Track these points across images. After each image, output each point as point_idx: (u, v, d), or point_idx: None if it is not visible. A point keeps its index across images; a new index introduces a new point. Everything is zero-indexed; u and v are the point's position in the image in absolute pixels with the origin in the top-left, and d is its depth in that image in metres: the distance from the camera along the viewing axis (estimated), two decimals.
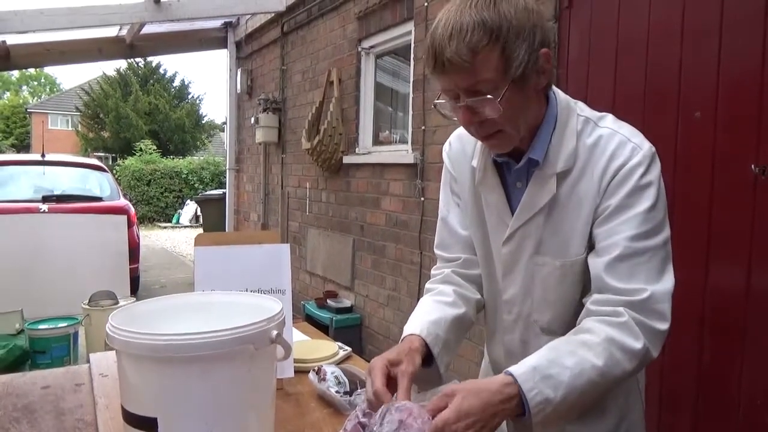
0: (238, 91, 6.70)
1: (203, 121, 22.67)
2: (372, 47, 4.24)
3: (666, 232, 0.95)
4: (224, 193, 7.57)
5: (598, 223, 0.96)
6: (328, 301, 4.28)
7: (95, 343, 3.74)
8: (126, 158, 17.12)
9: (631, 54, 2.19)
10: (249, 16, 6.10)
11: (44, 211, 5.18)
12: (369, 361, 1.56)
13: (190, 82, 29.16)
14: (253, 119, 5.92)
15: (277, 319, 0.96)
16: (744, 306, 1.82)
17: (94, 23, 4.74)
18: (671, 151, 2.02)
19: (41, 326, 3.65)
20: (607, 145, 0.96)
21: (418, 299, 3.68)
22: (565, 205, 0.99)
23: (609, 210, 0.95)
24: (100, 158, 14.84)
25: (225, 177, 7.57)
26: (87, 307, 3.92)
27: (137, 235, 6.12)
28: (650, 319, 0.90)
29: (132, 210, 6.04)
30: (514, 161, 1.02)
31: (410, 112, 3.66)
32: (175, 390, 0.86)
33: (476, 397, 0.83)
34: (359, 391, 1.19)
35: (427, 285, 1.18)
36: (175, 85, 22.50)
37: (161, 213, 15.82)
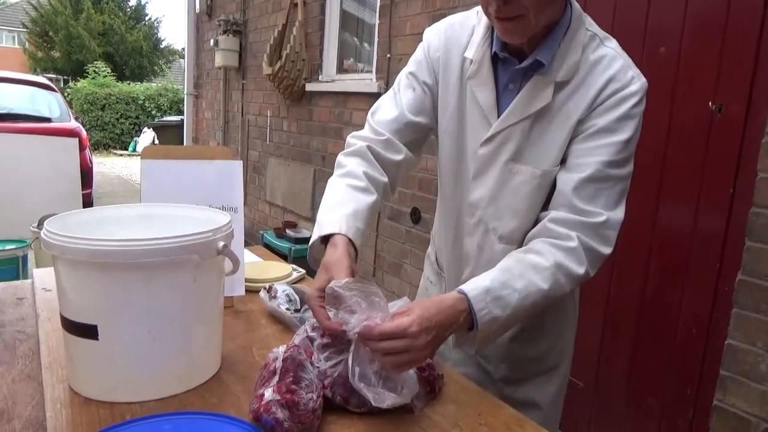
0: (197, 10, 6.35)
1: (162, 46, 21.57)
2: None
3: (630, 167, 0.98)
4: (182, 120, 7.31)
5: (579, 140, 0.96)
6: (287, 231, 4.26)
7: (45, 266, 3.65)
8: (78, 81, 16.25)
9: None
10: None
11: None
12: None
13: (147, 2, 27.50)
14: (212, 41, 5.64)
15: (224, 230, 0.93)
16: (689, 243, 1.89)
17: None
18: None
19: None
20: (609, 66, 0.96)
21: (377, 231, 3.68)
22: (554, 115, 0.97)
23: (593, 129, 0.95)
24: (50, 80, 14.05)
25: (183, 105, 7.29)
26: (36, 230, 3.80)
27: (90, 159, 5.88)
28: (597, 242, 0.94)
29: (83, 133, 5.78)
30: (516, 60, 0.99)
31: (375, 39, 3.54)
32: (115, 297, 0.83)
33: (434, 309, 0.84)
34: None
35: (340, 157, 1.11)
36: (131, 4, 21.19)
37: (117, 140, 15.24)
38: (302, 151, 4.45)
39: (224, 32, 5.33)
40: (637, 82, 0.95)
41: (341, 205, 1.01)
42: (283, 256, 4.06)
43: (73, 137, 4.99)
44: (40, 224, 3.79)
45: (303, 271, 1.59)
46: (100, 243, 0.82)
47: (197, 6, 6.30)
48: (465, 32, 1.06)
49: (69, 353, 0.89)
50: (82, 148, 5.15)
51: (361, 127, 1.15)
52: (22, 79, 6.29)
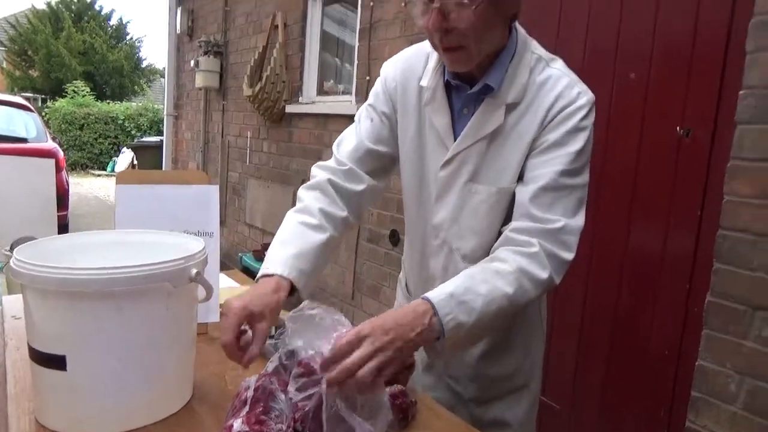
0: (178, 31, 6.36)
1: (143, 65, 21.48)
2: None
3: (586, 177, 1.01)
4: (162, 141, 7.27)
5: (533, 155, 1.00)
6: (266, 253, 4.23)
7: (16, 291, 3.57)
8: (57, 100, 16.08)
9: (574, 13, 2.21)
10: None
11: None
12: None
13: (128, 22, 27.39)
14: (193, 62, 5.65)
15: (197, 257, 0.93)
16: (660, 263, 1.92)
17: None
18: (606, 109, 2.07)
19: None
20: (555, 85, 1.00)
21: (356, 254, 3.68)
22: (507, 135, 1.01)
23: (546, 144, 0.99)
24: (28, 99, 13.85)
25: (164, 124, 7.26)
26: (8, 253, 3.72)
27: (66, 180, 5.81)
28: (558, 248, 0.97)
29: (60, 153, 5.71)
30: (467, 86, 1.03)
31: (355, 62, 3.58)
32: (84, 327, 0.83)
33: (391, 315, 0.87)
34: (282, 330, 1.19)
35: (300, 191, 1.14)
36: (112, 23, 21.11)
37: (95, 160, 15.06)
38: (282, 173, 4.45)
39: (205, 53, 5.35)
40: (583, 96, 1.00)
41: (288, 245, 1.04)
42: None
43: (49, 158, 4.92)
44: (12, 248, 3.72)
45: None
46: (69, 272, 0.81)
47: (178, 27, 6.32)
48: (420, 62, 1.11)
49: (36, 384, 0.88)
50: (58, 170, 5.08)
51: None
52: None
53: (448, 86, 1.06)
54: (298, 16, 4.22)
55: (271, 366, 0.91)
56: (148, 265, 0.85)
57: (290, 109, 4.24)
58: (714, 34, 1.77)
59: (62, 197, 5.40)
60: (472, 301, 0.90)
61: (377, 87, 1.17)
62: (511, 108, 1.01)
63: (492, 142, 1.02)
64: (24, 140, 5.55)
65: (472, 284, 0.92)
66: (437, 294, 0.90)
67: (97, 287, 0.81)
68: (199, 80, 5.41)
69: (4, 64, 20.26)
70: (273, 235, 1.10)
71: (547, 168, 0.98)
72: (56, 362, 0.83)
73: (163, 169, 6.92)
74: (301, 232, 1.06)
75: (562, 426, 2.27)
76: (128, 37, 21.32)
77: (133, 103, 17.63)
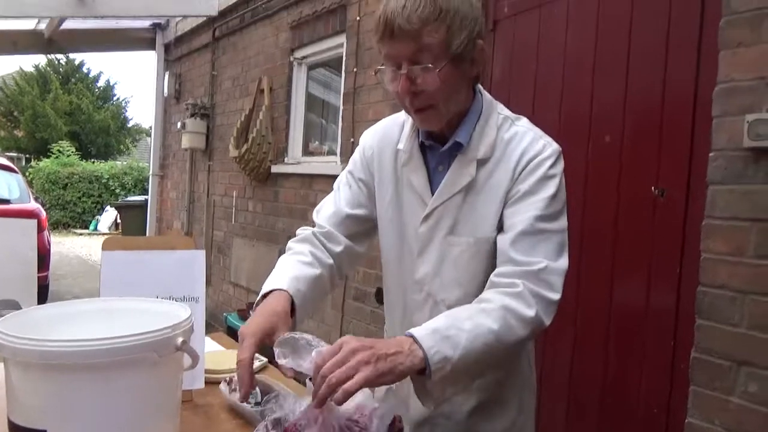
0: (166, 94, 6.50)
1: (129, 125, 21.70)
2: (304, 57, 4.23)
3: (563, 222, 1.06)
4: (146, 200, 7.27)
5: (508, 205, 1.05)
6: (251, 312, 4.18)
7: None
8: (41, 160, 16.09)
9: (549, 79, 2.31)
10: (179, 18, 5.94)
11: None
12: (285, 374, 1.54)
13: (115, 83, 27.85)
14: (179, 124, 5.74)
15: (183, 326, 0.93)
16: (644, 321, 1.94)
17: (8, 14, 4.44)
18: (582, 171, 2.14)
19: None
20: (522, 140, 1.07)
21: (342, 313, 3.66)
22: (481, 189, 1.07)
23: (519, 194, 1.04)
24: (12, 159, 13.84)
25: (148, 183, 7.28)
26: None
27: (48, 240, 5.76)
28: (543, 288, 0.98)
29: (43, 214, 5.68)
30: (440, 145, 1.10)
31: (340, 124, 3.67)
32: (66, 400, 0.81)
33: (373, 340, 0.88)
34: (269, 396, 1.17)
35: (289, 243, 1.21)
36: (99, 85, 21.43)
37: (77, 219, 14.95)
38: (268, 232, 4.46)
39: (192, 115, 5.45)
40: (548, 148, 1.06)
41: (285, 271, 1.10)
42: None
43: (31, 219, 4.89)
44: None
45: (265, 359, 1.56)
46: (51, 344, 0.80)
47: (166, 90, 6.45)
48: (395, 130, 1.18)
49: None
50: (40, 230, 5.03)
51: None
52: None
53: (422, 147, 1.13)
54: (283, 80, 4.34)
55: None
56: (133, 335, 0.84)
57: (276, 169, 4.30)
58: (681, 100, 1.86)
59: (43, 258, 5.36)
60: (456, 336, 0.90)
61: (356, 155, 1.24)
62: (482, 163, 1.07)
63: (467, 195, 1.07)
64: (6, 201, 5.53)
65: (456, 321, 0.93)
66: (420, 330, 0.91)
67: (81, 359, 0.80)
68: (186, 141, 5.48)
69: None
70: (258, 293, 1.13)
71: (523, 215, 1.02)
72: None
73: (147, 227, 6.89)
74: (296, 264, 1.12)
75: None
76: (115, 98, 21.63)
77: (119, 162, 17.68)
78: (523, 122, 1.11)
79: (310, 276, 1.10)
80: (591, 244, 2.12)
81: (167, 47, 6.52)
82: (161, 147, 6.80)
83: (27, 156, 18.94)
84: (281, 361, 0.91)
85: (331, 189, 1.28)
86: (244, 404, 1.19)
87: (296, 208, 4.08)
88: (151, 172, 6.94)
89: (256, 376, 1.35)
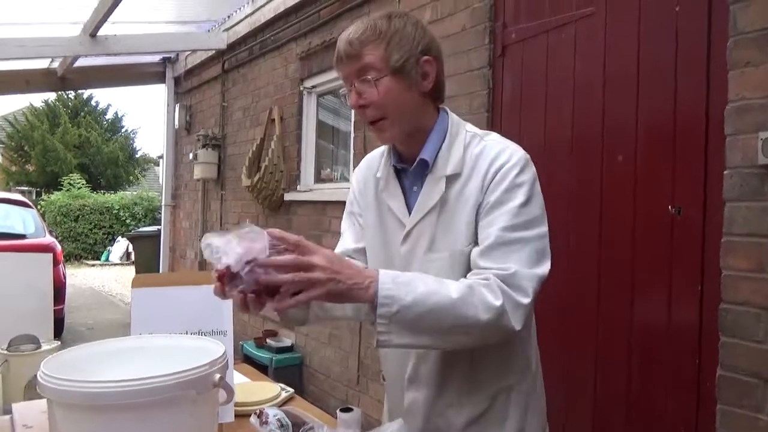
0: (176, 126, 6.59)
1: (137, 155, 21.95)
2: (314, 87, 4.30)
3: (541, 228, 1.08)
4: (159, 230, 7.33)
5: (481, 218, 1.08)
6: (268, 340, 4.19)
7: (14, 392, 3.47)
8: (52, 193, 16.29)
9: (559, 101, 2.34)
10: (189, 52, 6.06)
11: None
12: (312, 402, 1.55)
13: (123, 115, 28.26)
14: (191, 155, 5.81)
15: (219, 362, 0.95)
16: (667, 341, 1.93)
17: (23, 55, 4.55)
18: (597, 193, 2.15)
19: None
20: (489, 152, 1.11)
21: (360, 337, 3.66)
22: (454, 204, 1.11)
23: (488, 206, 1.07)
24: (23, 192, 14.03)
25: (159, 213, 7.35)
26: (5, 352, 3.64)
27: (63, 273, 5.81)
28: (513, 290, 1.00)
29: (58, 247, 5.75)
30: (410, 166, 1.16)
31: (351, 151, 3.72)
32: None
33: (345, 261, 0.99)
34: (304, 429, 1.18)
35: None
36: (108, 117, 21.76)
37: (89, 250, 15.06)
38: None
39: (203, 146, 5.52)
40: (514, 156, 1.09)
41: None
42: (264, 367, 3.96)
43: (47, 253, 4.94)
44: (10, 345, 3.65)
45: (291, 390, 1.57)
46: (95, 385, 0.82)
47: (176, 122, 6.55)
48: (376, 160, 1.25)
49: None
50: (56, 263, 5.10)
51: (339, 234, 1.32)
52: None
53: (398, 172, 1.19)
54: (294, 109, 4.41)
55: None
56: (172, 374, 0.86)
57: (289, 197, 4.34)
58: (693, 118, 1.88)
59: (59, 291, 5.39)
60: (415, 286, 0.97)
61: (350, 194, 1.32)
62: (451, 179, 1.11)
63: (441, 212, 1.11)
64: (23, 236, 5.60)
65: (423, 277, 1.01)
66: (387, 270, 0.99)
67: (123, 399, 0.82)
68: (198, 172, 5.54)
69: (1, 160, 20.64)
70: (274, 321, 1.16)
71: (492, 227, 1.05)
72: None
73: (161, 258, 6.93)
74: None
75: None
76: (123, 129, 21.92)
77: (128, 193, 17.85)
78: (493, 137, 1.15)
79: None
80: (609, 264, 2.12)
81: (177, 80, 6.64)
82: (173, 177, 6.88)
83: (38, 190, 19.17)
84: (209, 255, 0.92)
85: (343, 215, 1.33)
86: None
87: (310, 235, 4.10)
88: (163, 203, 7.00)
89: (284, 407, 1.36)
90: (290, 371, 3.99)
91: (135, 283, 1.32)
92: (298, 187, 4.35)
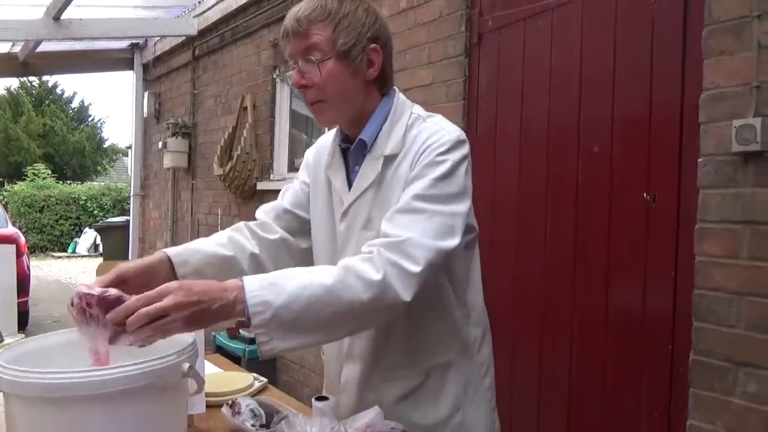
0: (145, 114, 6.42)
1: (105, 145, 21.43)
2: (287, 74, 4.22)
3: (456, 206, 1.03)
4: (128, 221, 7.16)
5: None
6: (241, 331, 4.12)
7: None
8: (15, 183, 15.79)
9: (535, 90, 2.33)
10: (158, 38, 5.90)
11: None
12: (286, 392, 1.52)
13: (90, 104, 27.54)
14: (161, 144, 5.68)
15: (188, 351, 0.91)
16: (641, 326, 1.95)
17: None
18: (573, 182, 2.16)
19: None
20: (424, 133, 1.10)
21: None
22: (389, 184, 1.10)
23: (409, 179, 1.06)
24: None
25: (128, 204, 7.18)
26: None
27: (27, 265, 5.63)
28: (400, 257, 0.96)
29: (22, 239, 5.57)
30: (351, 145, 1.16)
31: None
32: None
33: (202, 282, 0.91)
34: (280, 423, 1.15)
35: None
36: (73, 106, 21.18)
37: (55, 242, 14.67)
38: None
39: (173, 134, 5.39)
40: (446, 136, 1.07)
41: (188, 244, 1.17)
42: (237, 358, 3.90)
43: (10, 244, 4.78)
44: None
45: (265, 380, 1.54)
46: (57, 376, 0.78)
47: (145, 110, 6.38)
48: (330, 137, 1.24)
49: None
50: (19, 255, 4.92)
51: None
52: None
53: (344, 151, 1.18)
54: (266, 97, 4.33)
55: None
56: (139, 363, 0.82)
57: (261, 186, 4.26)
58: (668, 107, 1.89)
59: (23, 283, 5.23)
60: (284, 285, 0.91)
61: (302, 164, 1.32)
62: (389, 160, 1.10)
63: (377, 191, 1.11)
64: None
65: (291, 272, 0.96)
66: (253, 277, 0.93)
67: (87, 390, 0.78)
68: (168, 161, 5.42)
69: None
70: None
71: (404, 196, 1.04)
72: None
73: (130, 248, 6.78)
74: (202, 241, 1.20)
75: None
76: (90, 118, 21.37)
77: (96, 183, 17.42)
78: (435, 119, 1.13)
79: (211, 252, 1.16)
80: (585, 252, 2.13)
81: (146, 67, 6.47)
82: (142, 167, 6.72)
83: (1, 180, 18.58)
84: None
85: None
86: (249, 427, 1.17)
87: None
88: (132, 192, 6.84)
89: (257, 397, 1.32)
90: (263, 362, 3.93)
91: (100, 271, 1.26)
92: (271, 176, 4.28)
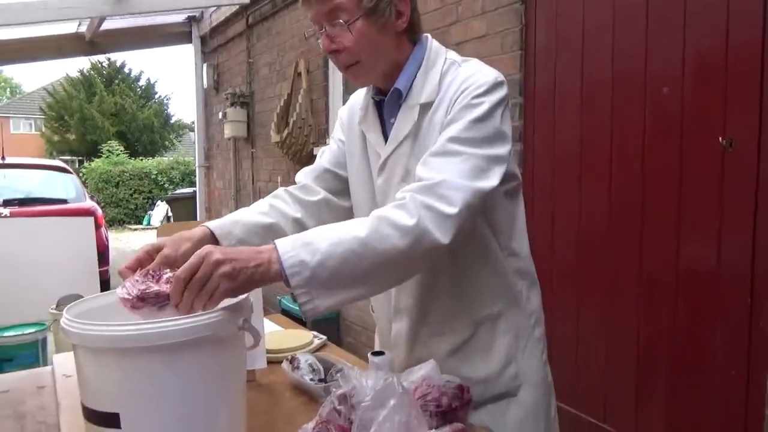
0: (205, 86, 6.58)
1: (172, 121, 22.25)
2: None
3: (496, 151, 0.98)
4: (195, 192, 7.43)
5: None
6: None
7: (65, 349, 3.62)
8: (93, 161, 16.72)
9: (597, 35, 2.19)
10: (213, 9, 5.98)
11: (5, 216, 5.00)
12: (349, 351, 1.54)
13: (156, 81, 28.58)
14: (220, 114, 5.81)
15: (244, 306, 0.92)
16: (716, 280, 1.84)
17: (49, 18, 4.55)
18: (640, 129, 2.03)
19: (6, 333, 3.52)
20: (460, 77, 1.05)
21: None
22: (426, 133, 1.06)
23: (446, 123, 1.01)
24: (66, 161, 14.44)
25: (195, 176, 7.44)
26: (55, 311, 3.79)
27: (105, 236, 5.96)
28: (434, 200, 0.92)
29: (99, 211, 5.88)
30: (385, 97, 1.12)
31: None
32: (136, 383, 0.82)
33: (236, 248, 0.90)
34: (335, 375, 1.16)
35: None
36: (141, 84, 22.02)
37: (131, 215, 15.50)
38: None
39: (232, 104, 5.50)
40: (483, 77, 1.02)
41: (230, 215, 1.16)
42: (301, 321, 4.01)
43: (88, 216, 5.07)
44: (59, 306, 3.79)
45: (324, 337, 1.56)
46: (119, 329, 0.81)
47: (205, 82, 6.53)
48: (363, 92, 1.21)
49: None
50: (97, 227, 5.23)
51: None
52: (37, 164, 6.49)
53: (378, 104, 1.14)
54: (320, 62, 4.31)
55: (324, 411, 0.89)
56: (195, 317, 0.84)
57: (318, 151, 4.29)
58: (747, 42, 1.73)
59: (103, 253, 5.56)
60: (317, 242, 0.88)
61: (336, 124, 1.28)
62: (425, 108, 1.06)
63: (414, 142, 1.07)
64: (64, 201, 5.75)
65: (323, 230, 0.92)
66: (285, 238, 0.90)
67: (146, 342, 0.80)
68: (228, 131, 5.54)
69: (43, 130, 21.24)
70: None
71: (440, 139, 0.99)
72: (110, 420, 0.82)
73: (198, 218, 7.05)
74: (246, 211, 1.18)
75: None
76: (156, 96, 22.18)
77: (165, 158, 18.20)
78: (472, 62, 1.08)
79: (253, 222, 1.13)
80: (653, 202, 2.01)
81: (203, 39, 6.59)
82: (205, 138, 6.92)
83: (80, 158, 19.72)
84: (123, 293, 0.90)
85: None
86: (308, 381, 1.19)
87: None
88: (197, 164, 7.08)
89: (316, 354, 1.34)
90: (327, 324, 4.03)
91: (161, 233, 1.31)
92: (327, 140, 4.30)
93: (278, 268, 0.87)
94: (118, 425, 0.82)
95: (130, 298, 0.88)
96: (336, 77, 4.30)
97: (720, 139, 1.79)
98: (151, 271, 0.93)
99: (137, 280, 0.91)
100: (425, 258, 0.94)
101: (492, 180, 0.96)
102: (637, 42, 2.04)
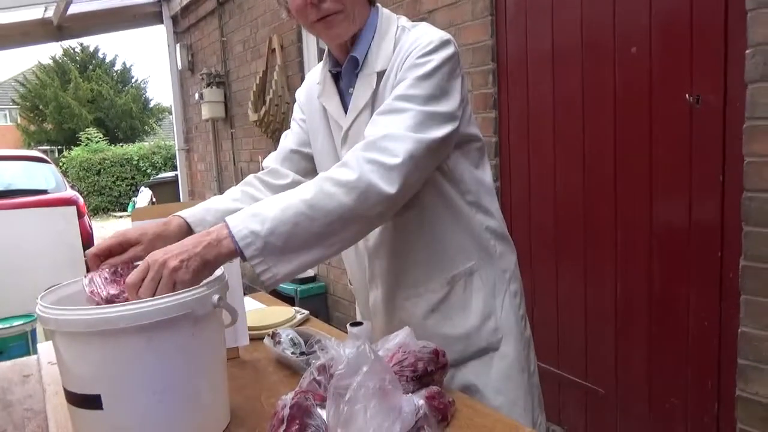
0: (180, 67, 6.47)
1: (151, 105, 21.89)
2: None
3: (441, 108, 0.98)
4: (176, 175, 7.37)
5: None
6: None
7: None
8: (72, 149, 16.47)
9: (566, 0, 2.19)
10: None
11: None
12: (334, 326, 1.56)
13: (132, 65, 28.01)
14: (197, 95, 5.73)
15: (218, 284, 0.93)
16: (687, 235, 1.88)
17: (11, 4, 4.43)
18: (611, 89, 2.05)
19: None
20: (409, 40, 1.05)
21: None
22: (383, 100, 1.04)
23: (394, 85, 1.02)
24: (44, 151, 14.23)
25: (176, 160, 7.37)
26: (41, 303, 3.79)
27: (89, 225, 5.93)
28: (376, 153, 0.92)
29: (80, 200, 5.84)
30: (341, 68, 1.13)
31: None
32: (115, 364, 0.83)
33: (181, 240, 0.90)
34: (311, 342, 1.19)
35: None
36: (116, 69, 21.58)
37: (115, 202, 15.36)
38: None
39: (208, 85, 5.42)
40: (429, 38, 1.02)
41: (202, 203, 1.16)
42: (290, 299, 4.05)
43: (70, 206, 5.03)
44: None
45: (306, 312, 1.58)
46: (94, 312, 0.82)
47: (179, 63, 6.42)
48: (317, 69, 1.21)
49: (76, 427, 0.89)
50: (80, 216, 5.17)
51: None
52: (15, 155, 6.39)
53: (336, 77, 1.14)
54: (293, 37, 4.26)
55: (305, 382, 0.92)
56: (169, 296, 0.85)
57: None
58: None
59: (87, 242, 5.53)
60: (266, 211, 0.89)
61: (295, 104, 1.29)
62: (381, 75, 1.06)
63: (374, 110, 1.05)
64: (44, 191, 5.69)
65: (271, 199, 0.94)
66: (235, 214, 0.91)
67: (122, 323, 0.82)
68: (206, 112, 5.48)
69: (18, 120, 20.81)
70: None
71: (387, 100, 1.00)
72: (92, 402, 0.84)
73: (181, 201, 7.01)
74: (219, 198, 1.20)
75: (609, 410, 2.23)
76: (133, 80, 21.76)
77: (146, 143, 17.95)
78: (420, 26, 1.08)
79: (225, 208, 1.13)
80: (626, 161, 2.04)
81: (174, 19, 6.46)
82: (183, 121, 6.83)
83: (59, 147, 19.39)
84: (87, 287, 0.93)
85: None
86: (289, 354, 1.21)
87: None
88: (177, 147, 7.01)
89: (299, 327, 1.37)
90: (315, 300, 4.07)
91: (135, 216, 1.30)
92: None
93: (230, 244, 0.87)
94: (100, 406, 0.84)
95: (100, 301, 0.91)
96: (311, 51, 4.25)
97: (687, 96, 1.81)
98: (119, 269, 0.95)
99: (106, 278, 0.92)
100: (377, 211, 0.93)
101: (436, 132, 0.96)
102: (605, 2, 2.04)
